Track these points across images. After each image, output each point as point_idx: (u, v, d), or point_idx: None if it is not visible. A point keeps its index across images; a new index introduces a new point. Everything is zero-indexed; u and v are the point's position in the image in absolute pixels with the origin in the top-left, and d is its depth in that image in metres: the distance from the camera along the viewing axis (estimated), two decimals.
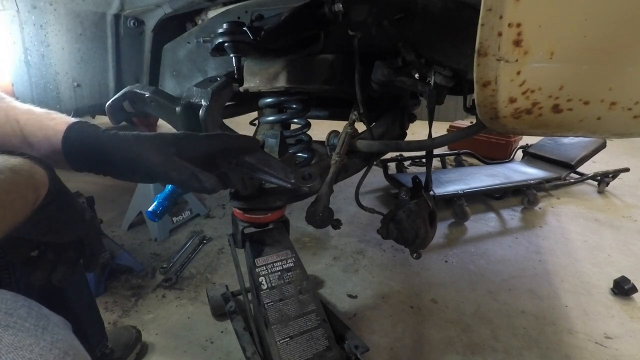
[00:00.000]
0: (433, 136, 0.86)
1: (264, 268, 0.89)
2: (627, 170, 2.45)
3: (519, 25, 0.40)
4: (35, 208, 0.47)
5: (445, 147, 3.04)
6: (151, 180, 0.58)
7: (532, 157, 2.72)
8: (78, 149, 0.55)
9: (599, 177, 2.40)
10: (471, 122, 0.89)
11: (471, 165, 2.86)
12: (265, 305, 0.83)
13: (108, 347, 1.02)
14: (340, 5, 0.71)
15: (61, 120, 0.57)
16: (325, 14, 0.73)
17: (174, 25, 1.12)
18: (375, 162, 1.59)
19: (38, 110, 0.58)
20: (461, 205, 1.95)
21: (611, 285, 1.44)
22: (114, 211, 2.05)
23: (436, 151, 2.62)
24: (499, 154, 2.90)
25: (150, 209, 0.57)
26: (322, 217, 0.84)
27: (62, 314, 0.43)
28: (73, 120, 0.57)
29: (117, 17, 1.06)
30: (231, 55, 0.82)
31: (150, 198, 1.76)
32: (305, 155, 1.06)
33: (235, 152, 0.63)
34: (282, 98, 0.97)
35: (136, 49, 1.13)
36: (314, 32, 0.87)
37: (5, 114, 0.55)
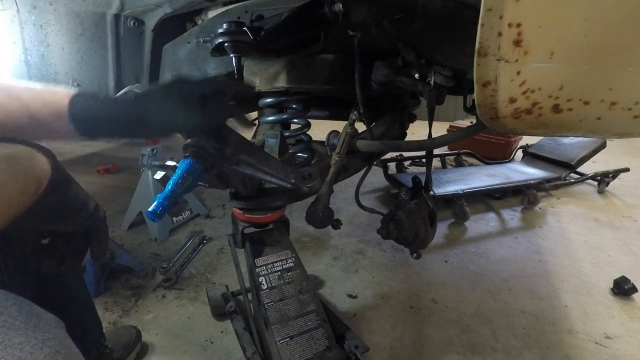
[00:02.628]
0: (433, 136, 0.86)
1: (264, 268, 0.89)
2: (627, 170, 2.45)
3: (519, 25, 0.40)
4: (37, 197, 0.47)
5: (445, 147, 3.04)
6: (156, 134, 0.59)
7: (532, 157, 2.72)
8: (85, 117, 0.55)
9: (599, 177, 2.40)
10: (471, 122, 0.89)
11: (471, 165, 2.86)
12: (265, 305, 0.83)
13: (107, 347, 1.02)
14: (340, 5, 0.71)
15: (63, 94, 0.56)
16: (325, 14, 0.73)
17: (174, 25, 1.12)
18: (375, 162, 1.59)
19: (37, 86, 0.57)
20: (461, 205, 1.95)
21: (611, 285, 1.44)
22: (114, 211, 2.05)
23: (436, 151, 2.62)
24: (499, 154, 2.90)
25: (150, 209, 0.57)
26: (322, 217, 0.84)
27: (58, 313, 0.43)
28: (74, 91, 0.57)
29: (117, 17, 1.06)
30: (231, 55, 0.82)
31: (150, 198, 1.76)
32: (305, 155, 1.06)
33: (227, 94, 0.64)
34: (282, 98, 0.97)
35: (136, 49, 1.13)
36: (314, 32, 0.87)
37: (6, 93, 0.54)
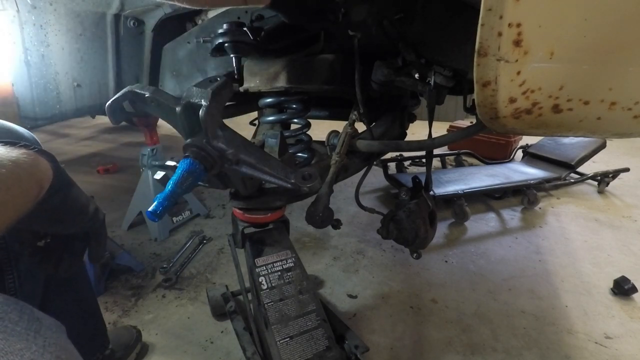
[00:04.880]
0: (433, 136, 0.86)
1: (264, 268, 0.89)
2: (627, 170, 2.45)
3: (519, 25, 0.40)
4: (38, 201, 0.47)
5: (445, 147, 3.04)
6: None
7: (532, 157, 2.71)
8: None
9: (599, 177, 2.40)
10: (471, 122, 0.89)
11: (471, 165, 2.86)
12: (265, 305, 0.83)
13: (109, 349, 1.02)
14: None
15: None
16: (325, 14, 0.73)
17: (174, 25, 1.12)
18: (375, 162, 1.59)
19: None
20: (461, 205, 1.95)
21: (611, 285, 1.44)
22: (114, 211, 2.05)
23: (436, 151, 2.62)
24: (499, 154, 2.90)
25: (150, 209, 0.57)
26: (322, 217, 0.84)
27: (65, 320, 0.43)
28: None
29: (117, 17, 1.06)
30: (231, 55, 0.82)
31: (150, 198, 1.76)
32: (305, 155, 1.06)
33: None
34: (282, 98, 0.97)
35: (136, 49, 1.13)
36: (314, 32, 0.87)
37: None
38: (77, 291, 0.89)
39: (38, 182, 0.46)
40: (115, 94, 0.70)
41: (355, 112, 0.91)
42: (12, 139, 0.48)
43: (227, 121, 0.74)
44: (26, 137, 0.67)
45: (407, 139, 1.05)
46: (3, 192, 0.40)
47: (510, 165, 2.70)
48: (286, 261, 0.91)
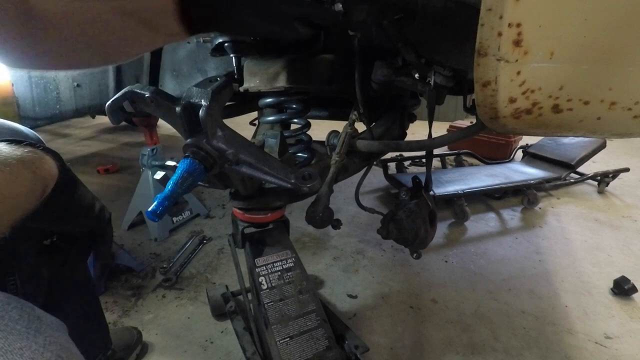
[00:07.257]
0: (433, 136, 0.86)
1: (264, 268, 0.89)
2: (627, 170, 2.45)
3: (519, 25, 0.40)
4: (43, 199, 0.47)
5: (445, 147, 3.04)
6: None
7: (532, 157, 2.71)
8: None
9: (599, 177, 2.40)
10: (471, 122, 0.89)
11: (471, 165, 2.86)
12: (265, 305, 0.83)
13: (111, 349, 1.01)
14: (340, 5, 0.71)
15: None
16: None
17: None
18: (375, 162, 1.59)
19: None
20: (461, 205, 1.95)
21: (611, 285, 1.44)
22: (114, 211, 2.04)
23: (436, 151, 2.62)
24: (499, 154, 2.90)
25: (150, 209, 0.57)
26: (322, 217, 0.84)
27: (67, 318, 0.43)
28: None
29: None
30: (231, 55, 0.82)
31: (150, 198, 1.76)
32: (305, 155, 1.06)
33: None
34: (282, 98, 0.97)
35: None
36: (314, 32, 0.87)
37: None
38: (80, 291, 0.89)
39: (43, 180, 0.46)
40: (115, 94, 0.70)
41: (355, 112, 0.91)
42: (17, 138, 0.48)
43: (227, 121, 0.74)
44: (30, 137, 0.67)
45: (407, 139, 1.05)
46: (6, 191, 0.40)
47: (510, 165, 2.70)
48: (286, 261, 0.91)
